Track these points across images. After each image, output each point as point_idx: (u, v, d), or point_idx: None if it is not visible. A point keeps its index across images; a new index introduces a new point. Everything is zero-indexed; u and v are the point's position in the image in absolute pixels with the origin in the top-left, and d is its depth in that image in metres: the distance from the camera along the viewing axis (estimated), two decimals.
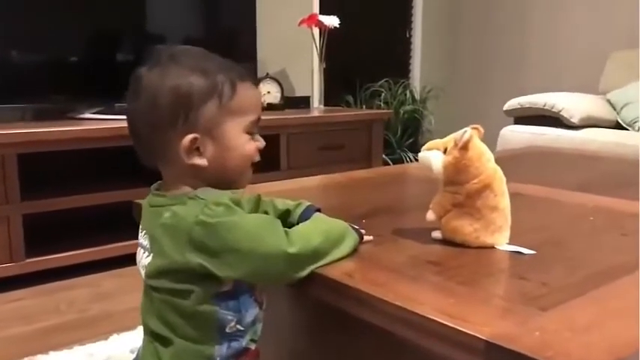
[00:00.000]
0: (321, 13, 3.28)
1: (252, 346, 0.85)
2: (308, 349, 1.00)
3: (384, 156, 3.24)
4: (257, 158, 0.87)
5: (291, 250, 0.76)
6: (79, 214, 2.14)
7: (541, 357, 0.56)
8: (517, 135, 3.02)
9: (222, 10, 2.87)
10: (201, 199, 0.79)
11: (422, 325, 0.65)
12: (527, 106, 3.07)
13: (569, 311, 0.66)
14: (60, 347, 1.53)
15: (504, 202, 0.92)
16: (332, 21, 3.06)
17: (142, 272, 0.84)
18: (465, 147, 0.89)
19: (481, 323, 0.63)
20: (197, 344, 0.81)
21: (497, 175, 0.91)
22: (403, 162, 3.56)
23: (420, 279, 0.77)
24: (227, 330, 0.82)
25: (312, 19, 3.08)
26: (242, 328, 0.83)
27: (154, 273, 0.81)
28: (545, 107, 2.99)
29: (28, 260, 1.97)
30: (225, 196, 0.82)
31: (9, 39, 2.22)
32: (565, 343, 0.59)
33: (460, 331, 0.62)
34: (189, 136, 0.80)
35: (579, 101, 3.04)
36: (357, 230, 0.89)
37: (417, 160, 3.39)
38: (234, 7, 2.85)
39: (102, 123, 2.17)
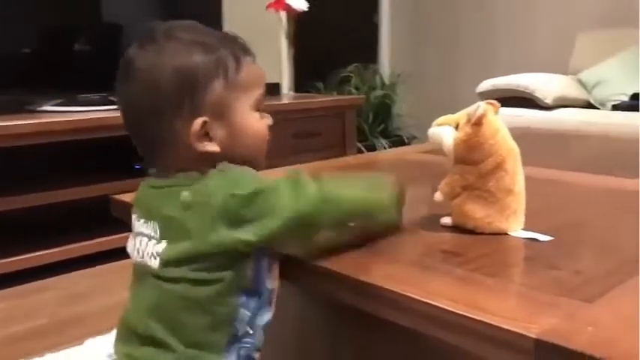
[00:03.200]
0: None
1: (257, 356, 0.77)
2: (320, 353, 0.93)
3: (357, 143, 3.18)
4: (268, 136, 0.81)
5: (325, 187, 0.72)
6: (45, 212, 2.02)
7: (603, 355, 0.50)
8: None
9: None
10: (225, 171, 0.73)
11: (458, 325, 0.59)
12: (500, 87, 3.06)
13: (615, 302, 0.61)
14: (32, 354, 1.42)
15: (519, 185, 0.86)
16: (300, 4, 2.97)
17: (153, 262, 0.74)
18: (478, 122, 0.82)
19: (525, 320, 0.56)
20: (203, 351, 0.72)
21: (513, 155, 0.85)
22: (376, 149, 3.51)
23: (443, 272, 0.70)
24: (239, 333, 0.74)
25: (279, 3, 2.99)
26: (251, 332, 0.75)
27: (173, 260, 0.72)
28: (519, 88, 2.98)
29: None
30: (249, 169, 0.76)
31: None
32: (623, 339, 0.53)
33: (504, 329, 0.55)
34: (199, 121, 0.72)
35: (552, 82, 3.04)
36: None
37: (390, 147, 3.32)
38: None
39: (65, 115, 2.05)
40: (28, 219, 2.04)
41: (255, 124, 0.78)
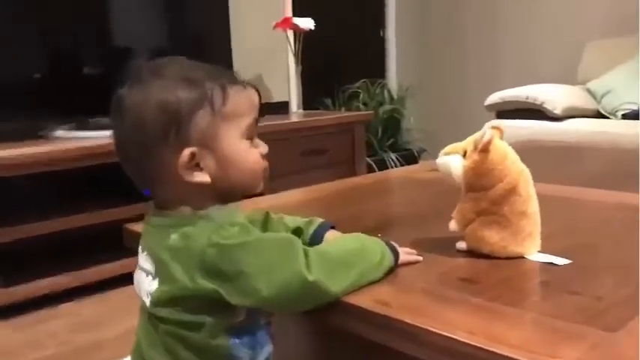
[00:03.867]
0: (294, 15, 3.20)
1: None
2: None
3: (366, 158, 3.17)
4: (265, 164, 0.80)
5: (311, 276, 0.68)
6: (56, 239, 2.01)
7: None
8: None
9: (194, 17, 2.76)
10: (214, 218, 0.72)
11: (477, 358, 0.58)
12: (508, 99, 3.03)
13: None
14: None
15: (533, 207, 0.85)
16: (307, 23, 2.98)
17: (146, 300, 0.76)
18: (485, 149, 0.82)
19: (547, 353, 0.55)
20: None
21: (523, 177, 0.84)
22: (386, 163, 3.49)
23: (461, 301, 0.69)
24: None
25: (286, 22, 3.00)
26: None
27: (161, 301, 0.73)
28: (528, 100, 2.96)
29: (1, 290, 1.83)
30: (239, 215, 0.76)
31: None
32: None
33: None
34: (187, 152, 0.72)
35: (560, 92, 3.01)
36: (391, 247, 0.80)
37: (400, 161, 3.28)
38: (206, 14, 2.74)
39: (76, 141, 2.05)
40: (40, 245, 2.03)
41: (245, 153, 0.77)
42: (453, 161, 0.86)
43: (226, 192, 0.77)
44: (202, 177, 0.74)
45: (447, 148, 0.88)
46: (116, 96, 0.75)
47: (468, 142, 0.86)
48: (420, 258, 0.84)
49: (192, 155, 0.72)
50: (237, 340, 0.73)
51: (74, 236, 2.06)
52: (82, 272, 2.00)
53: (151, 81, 0.73)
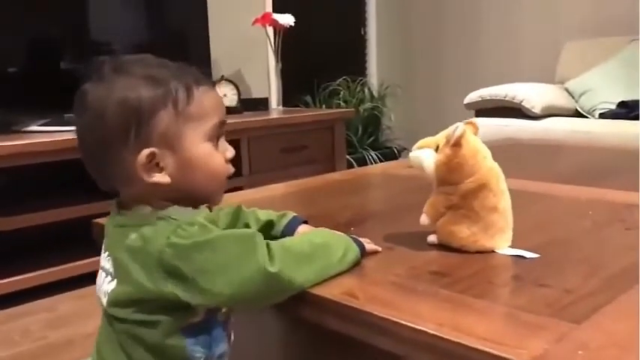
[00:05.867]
0: (274, 11, 3.18)
1: None
2: None
3: (347, 156, 3.17)
4: (230, 170, 0.79)
5: (273, 268, 0.68)
6: (29, 234, 1.99)
7: None
8: (481, 128, 2.97)
9: (173, 12, 2.73)
10: (173, 219, 0.71)
11: (445, 350, 0.57)
12: (487, 98, 3.05)
13: (605, 322, 0.60)
14: None
15: (504, 202, 0.85)
16: (287, 19, 2.97)
17: (103, 299, 0.75)
18: (457, 144, 0.82)
19: (514, 344, 0.55)
20: None
21: (494, 173, 0.85)
22: (366, 161, 3.50)
23: (430, 294, 0.69)
24: None
25: (266, 18, 2.99)
26: None
27: (118, 302, 0.72)
28: (506, 98, 2.97)
29: None
30: (199, 214, 0.74)
31: None
32: None
33: (493, 355, 0.54)
34: (146, 152, 0.71)
35: (539, 91, 3.03)
36: (357, 242, 0.80)
37: (380, 159, 3.29)
38: (185, 9, 2.72)
39: (51, 135, 2.03)
40: (12, 241, 2.00)
41: (208, 156, 0.75)
42: (424, 155, 0.86)
43: (187, 194, 0.75)
44: (161, 177, 0.72)
45: (420, 142, 0.88)
46: (79, 90, 0.74)
47: (440, 137, 0.86)
48: (379, 248, 0.84)
49: (152, 155, 0.71)
50: (192, 340, 0.72)
51: (50, 232, 2.03)
52: (57, 268, 1.97)
53: (115, 78, 0.72)
